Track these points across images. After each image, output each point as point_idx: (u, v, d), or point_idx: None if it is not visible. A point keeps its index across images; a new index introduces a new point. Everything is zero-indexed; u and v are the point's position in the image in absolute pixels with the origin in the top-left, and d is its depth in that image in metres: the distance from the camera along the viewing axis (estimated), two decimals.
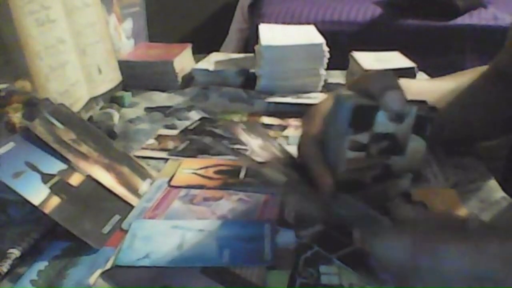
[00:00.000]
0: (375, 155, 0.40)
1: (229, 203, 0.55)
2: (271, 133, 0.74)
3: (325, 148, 0.44)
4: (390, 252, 0.36)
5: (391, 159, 0.41)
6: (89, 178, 0.54)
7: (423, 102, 0.41)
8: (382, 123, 0.39)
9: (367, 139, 0.40)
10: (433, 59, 1.41)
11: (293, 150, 0.50)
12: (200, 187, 0.58)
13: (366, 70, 0.85)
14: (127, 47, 1.02)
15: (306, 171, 0.44)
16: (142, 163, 0.62)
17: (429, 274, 0.34)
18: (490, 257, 0.33)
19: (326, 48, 0.90)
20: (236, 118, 0.81)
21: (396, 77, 0.41)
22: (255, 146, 0.48)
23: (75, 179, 0.53)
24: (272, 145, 0.50)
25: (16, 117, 0.58)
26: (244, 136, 0.49)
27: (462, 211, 0.53)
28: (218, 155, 0.66)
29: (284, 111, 0.82)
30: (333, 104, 0.42)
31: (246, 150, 0.51)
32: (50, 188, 0.50)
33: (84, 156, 0.56)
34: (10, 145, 0.51)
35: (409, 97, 0.43)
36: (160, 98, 0.90)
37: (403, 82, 0.41)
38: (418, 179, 0.44)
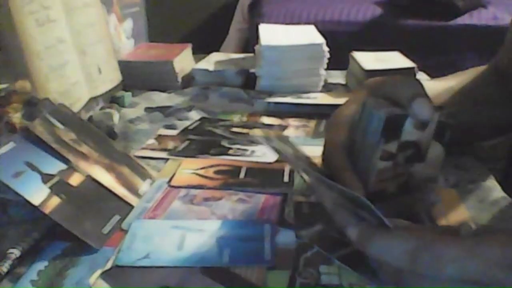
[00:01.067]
0: (401, 164, 0.40)
1: (229, 203, 0.55)
2: (271, 133, 0.74)
3: (353, 157, 0.43)
4: (388, 253, 0.35)
5: (414, 167, 0.41)
6: (89, 178, 0.54)
7: (441, 108, 0.41)
8: (409, 131, 0.39)
9: (396, 148, 0.39)
10: (433, 59, 1.41)
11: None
12: (200, 187, 0.58)
13: (368, 71, 0.85)
14: (127, 47, 1.02)
15: (334, 180, 0.43)
16: (142, 163, 0.62)
17: (426, 278, 0.34)
18: (488, 263, 0.32)
19: (326, 48, 0.90)
20: (236, 118, 0.81)
21: (421, 84, 0.40)
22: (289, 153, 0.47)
23: (75, 179, 0.53)
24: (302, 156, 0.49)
25: (16, 117, 0.58)
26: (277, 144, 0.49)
27: (462, 211, 0.53)
28: (220, 155, 0.66)
29: (284, 111, 0.82)
30: (362, 112, 0.41)
31: (246, 150, 0.51)
32: (50, 188, 0.50)
33: (84, 156, 0.56)
34: (10, 145, 0.51)
35: None
36: (160, 98, 0.90)
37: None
38: (434, 185, 0.43)
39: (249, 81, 0.94)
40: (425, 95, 0.39)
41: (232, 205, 0.55)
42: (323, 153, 0.48)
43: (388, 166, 0.40)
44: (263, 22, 1.33)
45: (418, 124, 0.39)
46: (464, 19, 1.89)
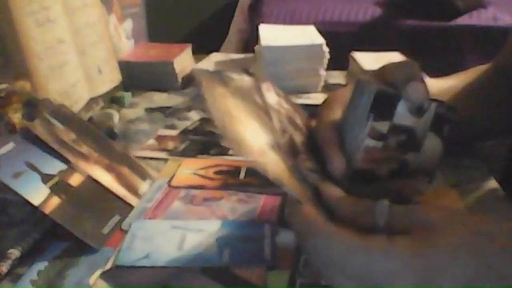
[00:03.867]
0: (393, 148, 0.40)
1: (229, 203, 0.55)
2: None
3: (343, 135, 0.43)
4: (324, 251, 0.35)
5: (408, 155, 0.41)
6: (89, 178, 0.54)
7: (443, 102, 0.41)
8: (402, 114, 0.39)
9: (387, 129, 0.39)
10: (433, 59, 1.41)
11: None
12: (200, 187, 0.58)
13: (367, 71, 0.85)
14: (127, 47, 1.02)
15: (322, 156, 0.42)
16: (142, 163, 0.62)
17: (355, 276, 0.33)
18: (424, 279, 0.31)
19: (326, 49, 0.90)
20: None
21: (420, 69, 0.40)
22: (273, 102, 0.46)
23: (75, 180, 0.53)
24: (290, 102, 0.48)
25: (16, 118, 0.58)
26: (264, 92, 0.46)
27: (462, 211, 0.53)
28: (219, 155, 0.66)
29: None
30: (354, 90, 0.42)
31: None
32: (50, 188, 0.50)
33: (84, 157, 0.56)
34: (10, 145, 0.51)
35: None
36: (160, 99, 0.90)
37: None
38: (431, 181, 0.42)
39: None
40: (421, 79, 0.39)
41: (232, 205, 0.55)
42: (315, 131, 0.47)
43: (377, 146, 0.40)
44: (263, 22, 1.33)
45: (413, 109, 0.39)
46: (464, 20, 1.89)
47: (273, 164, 0.38)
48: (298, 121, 0.47)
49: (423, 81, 0.39)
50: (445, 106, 0.40)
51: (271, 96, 0.46)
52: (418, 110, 0.39)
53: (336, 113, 0.44)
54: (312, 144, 0.44)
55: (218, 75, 0.43)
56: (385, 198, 0.36)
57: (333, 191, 0.38)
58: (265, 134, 0.40)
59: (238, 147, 0.37)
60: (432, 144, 0.40)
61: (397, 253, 0.32)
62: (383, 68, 0.43)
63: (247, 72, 0.47)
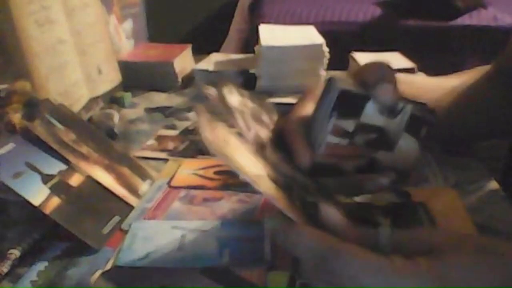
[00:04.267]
0: (361, 146, 0.40)
1: (229, 204, 0.55)
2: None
3: (311, 130, 0.43)
4: (299, 251, 0.35)
5: (378, 154, 0.41)
6: (89, 178, 0.54)
7: (423, 104, 0.41)
8: (371, 114, 0.39)
9: (352, 127, 0.40)
10: (433, 59, 1.41)
11: None
12: (200, 187, 0.58)
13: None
14: (127, 48, 1.02)
15: (286, 143, 0.43)
16: (142, 163, 0.62)
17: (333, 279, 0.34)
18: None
19: (326, 48, 0.90)
20: None
21: (393, 71, 0.41)
22: (235, 103, 0.45)
23: (75, 180, 0.53)
24: (255, 100, 0.48)
25: (16, 118, 0.58)
26: (226, 95, 0.46)
27: (462, 211, 0.53)
28: None
29: (284, 111, 0.82)
30: (324, 87, 0.42)
31: None
32: (50, 188, 0.50)
33: (84, 157, 0.56)
34: (10, 145, 0.51)
35: (411, 93, 0.42)
36: (160, 99, 0.90)
37: (407, 77, 0.41)
38: (405, 180, 0.43)
39: (249, 81, 0.94)
40: (391, 81, 0.39)
41: (232, 205, 0.55)
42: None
43: (342, 143, 0.40)
44: (263, 22, 1.33)
45: (383, 110, 0.39)
46: (464, 20, 1.89)
47: (270, 187, 0.38)
48: (265, 117, 0.47)
49: (393, 83, 0.39)
50: (423, 108, 0.41)
51: (233, 98, 0.46)
52: (389, 111, 0.39)
53: (308, 109, 0.44)
54: (279, 138, 0.44)
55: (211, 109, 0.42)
56: (349, 192, 0.36)
57: (332, 215, 0.38)
58: (257, 161, 0.40)
59: (235, 165, 0.37)
60: (407, 145, 0.41)
61: (417, 275, 0.32)
62: (360, 67, 0.44)
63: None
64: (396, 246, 0.35)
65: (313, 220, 0.38)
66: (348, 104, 0.39)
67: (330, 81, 0.41)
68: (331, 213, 0.38)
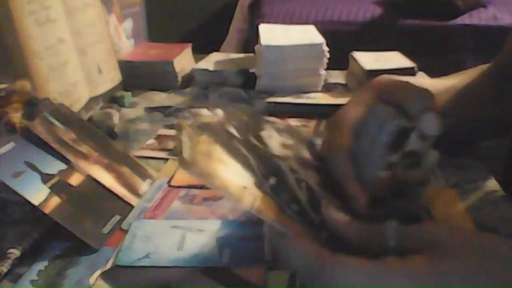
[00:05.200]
0: (400, 172, 0.40)
1: (229, 203, 0.55)
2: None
3: (356, 164, 0.42)
4: (292, 262, 0.35)
5: (410, 174, 0.40)
6: (89, 178, 0.54)
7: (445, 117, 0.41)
8: (413, 141, 0.39)
9: (398, 158, 0.39)
10: (433, 59, 1.41)
11: None
12: (200, 187, 0.58)
13: (368, 71, 0.85)
14: (127, 47, 1.02)
15: (339, 185, 0.42)
16: (142, 163, 0.62)
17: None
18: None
19: (326, 48, 0.90)
20: None
21: (432, 96, 0.40)
22: (275, 142, 0.44)
23: (75, 179, 0.53)
24: (303, 148, 0.47)
25: (16, 117, 0.58)
26: (269, 132, 0.45)
27: (462, 211, 0.53)
28: None
29: (284, 111, 0.82)
30: (371, 119, 0.41)
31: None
32: (50, 188, 0.50)
33: (84, 156, 0.56)
34: (10, 145, 0.51)
35: None
36: (160, 98, 0.90)
37: (404, 79, 0.40)
38: (426, 188, 0.42)
39: (249, 81, 0.94)
40: (434, 109, 0.39)
41: (232, 205, 0.55)
42: (322, 150, 0.47)
43: (388, 175, 0.39)
44: (263, 22, 1.33)
45: (423, 136, 0.39)
46: (464, 19, 1.89)
47: (256, 199, 0.37)
48: (306, 155, 0.46)
49: (436, 111, 0.38)
50: (446, 120, 0.40)
51: (273, 140, 0.45)
52: (429, 137, 0.39)
53: (346, 139, 0.43)
54: (327, 178, 0.43)
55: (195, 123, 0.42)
56: (392, 219, 0.36)
57: (338, 217, 0.38)
58: (246, 173, 0.39)
59: (217, 185, 0.36)
60: (430, 157, 0.40)
61: (411, 273, 0.32)
62: (395, 91, 0.42)
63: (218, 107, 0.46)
64: (403, 242, 0.34)
65: (315, 224, 0.37)
66: (399, 138, 0.39)
67: (378, 114, 0.40)
68: (336, 215, 0.38)
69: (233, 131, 0.43)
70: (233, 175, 0.39)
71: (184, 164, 0.36)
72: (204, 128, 0.41)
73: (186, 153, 0.37)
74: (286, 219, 0.37)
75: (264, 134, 0.44)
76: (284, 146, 0.45)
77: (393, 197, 0.41)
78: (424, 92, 0.40)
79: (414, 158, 0.39)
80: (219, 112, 0.44)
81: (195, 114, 0.43)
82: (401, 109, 0.40)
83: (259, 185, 0.39)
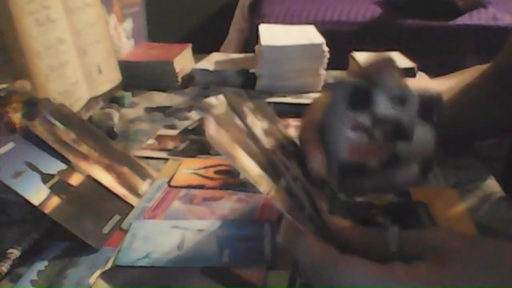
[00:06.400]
0: (380, 140, 0.40)
1: (229, 203, 0.55)
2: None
3: (326, 134, 0.43)
4: (304, 257, 0.35)
5: (398, 146, 0.41)
6: (89, 178, 0.54)
7: (425, 90, 0.41)
8: (383, 104, 0.39)
9: (369, 121, 0.39)
10: (433, 59, 1.41)
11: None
12: (200, 187, 0.58)
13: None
14: (127, 47, 1.02)
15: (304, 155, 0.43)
16: (142, 163, 0.62)
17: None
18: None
19: (326, 48, 0.90)
20: None
21: (393, 60, 0.41)
22: (259, 130, 0.45)
23: (75, 179, 0.53)
24: (277, 129, 0.48)
25: (16, 117, 0.58)
26: (250, 117, 0.45)
27: (462, 211, 0.53)
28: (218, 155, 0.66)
29: (284, 111, 0.82)
30: (331, 90, 0.42)
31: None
32: (50, 188, 0.50)
33: (84, 156, 0.56)
34: (10, 145, 0.51)
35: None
36: (160, 98, 0.90)
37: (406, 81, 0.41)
38: (430, 170, 0.42)
39: (249, 81, 0.94)
40: (393, 67, 0.39)
41: (232, 205, 0.55)
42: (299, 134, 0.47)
43: (362, 139, 0.40)
44: (263, 22, 1.33)
45: (393, 98, 0.39)
46: (464, 19, 1.89)
47: (271, 189, 0.38)
48: (284, 141, 0.46)
49: (396, 69, 0.39)
50: (429, 93, 0.40)
51: (257, 128, 0.45)
52: (399, 99, 0.39)
53: (318, 116, 0.44)
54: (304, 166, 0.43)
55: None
56: (378, 191, 0.36)
57: (341, 223, 0.38)
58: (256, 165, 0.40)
59: (238, 165, 0.37)
60: (423, 132, 0.40)
61: (416, 279, 0.32)
62: (361, 66, 0.44)
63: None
64: (405, 248, 0.34)
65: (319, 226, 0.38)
66: (359, 97, 0.39)
67: (335, 82, 0.41)
68: (338, 221, 0.38)
69: (239, 122, 0.43)
70: (252, 163, 0.39)
71: (212, 139, 0.37)
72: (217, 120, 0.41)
73: (212, 131, 0.37)
74: (298, 217, 0.37)
75: (249, 121, 0.44)
76: (266, 133, 0.45)
77: (384, 170, 0.41)
78: (380, 55, 0.41)
79: (396, 127, 0.40)
80: (221, 99, 0.44)
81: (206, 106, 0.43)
82: (364, 77, 0.41)
83: (273, 181, 0.39)
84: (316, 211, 0.39)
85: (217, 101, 0.43)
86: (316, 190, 0.41)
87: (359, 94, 0.39)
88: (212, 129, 0.38)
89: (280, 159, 0.42)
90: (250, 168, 0.38)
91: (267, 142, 0.43)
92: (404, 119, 0.40)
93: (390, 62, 0.41)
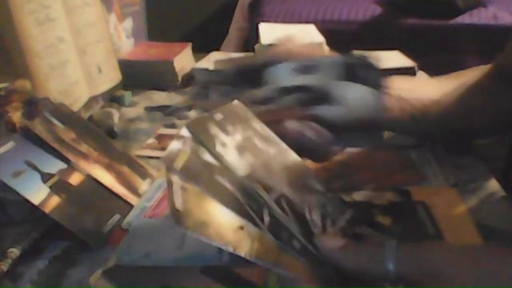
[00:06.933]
0: (298, 106, 0.40)
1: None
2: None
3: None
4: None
5: (318, 109, 0.40)
6: (89, 177, 0.54)
7: (351, 55, 0.41)
8: (285, 77, 0.39)
9: (271, 93, 0.40)
10: (433, 58, 1.41)
11: None
12: None
13: None
14: (127, 46, 1.02)
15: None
16: (142, 162, 0.62)
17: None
18: None
19: (326, 47, 0.90)
20: None
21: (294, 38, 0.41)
22: (232, 151, 0.41)
23: (75, 179, 0.53)
24: (253, 133, 0.43)
25: (16, 117, 0.58)
26: (220, 138, 0.41)
27: (462, 211, 0.53)
28: None
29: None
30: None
31: None
32: (50, 187, 0.50)
33: (84, 156, 0.56)
34: (10, 144, 0.51)
35: (406, 87, 0.41)
36: (160, 98, 0.90)
37: (406, 80, 0.41)
38: (379, 127, 0.42)
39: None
40: (296, 43, 0.40)
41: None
42: None
43: (271, 108, 0.40)
44: (263, 21, 1.33)
45: (296, 69, 0.39)
46: (464, 19, 1.89)
47: (254, 241, 0.37)
48: (260, 145, 0.44)
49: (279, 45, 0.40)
50: (356, 56, 0.41)
51: (228, 149, 0.42)
52: (303, 68, 0.40)
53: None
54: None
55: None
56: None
57: (333, 243, 0.37)
58: (235, 215, 0.38)
59: (212, 237, 0.35)
60: (358, 94, 0.40)
61: None
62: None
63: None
64: (400, 265, 0.34)
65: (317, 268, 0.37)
66: (244, 76, 0.40)
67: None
68: (330, 242, 0.38)
69: (207, 157, 0.40)
70: (228, 215, 0.37)
71: (177, 217, 0.34)
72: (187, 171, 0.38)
73: (178, 203, 0.35)
74: (288, 259, 0.37)
75: (218, 148, 0.41)
76: (240, 148, 0.42)
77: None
78: (287, 36, 0.42)
79: (310, 93, 0.41)
80: (185, 134, 0.41)
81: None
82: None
83: (254, 224, 0.38)
84: (307, 235, 0.38)
85: (180, 142, 0.39)
86: (308, 195, 0.41)
87: (245, 75, 0.40)
88: (178, 202, 0.35)
89: (261, 180, 0.40)
90: (227, 229, 0.36)
91: (243, 165, 0.41)
92: (317, 85, 0.40)
93: (292, 39, 0.41)
